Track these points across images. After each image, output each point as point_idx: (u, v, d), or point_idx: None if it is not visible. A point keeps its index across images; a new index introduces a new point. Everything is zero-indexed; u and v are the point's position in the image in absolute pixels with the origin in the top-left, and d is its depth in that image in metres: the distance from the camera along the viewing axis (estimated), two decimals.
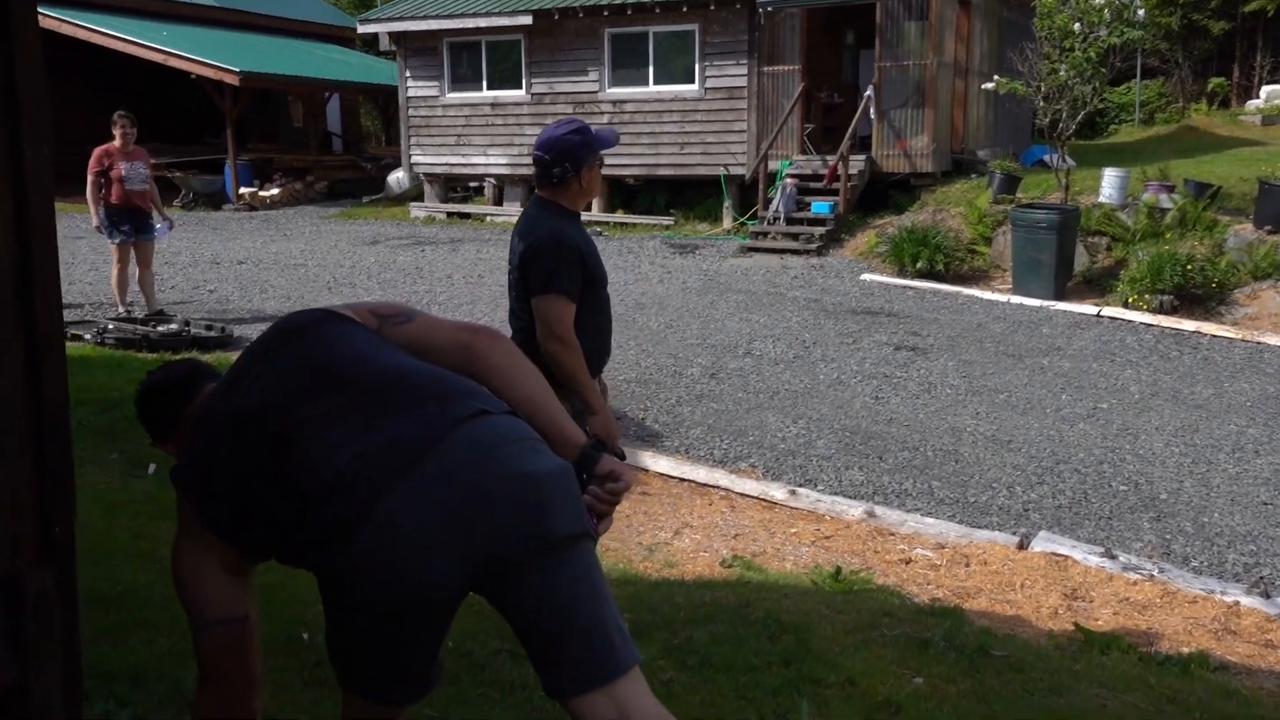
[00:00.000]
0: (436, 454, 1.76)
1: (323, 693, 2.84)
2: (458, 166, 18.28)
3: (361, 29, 18.68)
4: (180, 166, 20.80)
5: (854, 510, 5.43)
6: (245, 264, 12.87)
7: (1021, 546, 4.99)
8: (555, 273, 3.20)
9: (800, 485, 5.93)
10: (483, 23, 17.19)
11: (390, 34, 18.32)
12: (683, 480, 5.84)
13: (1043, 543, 5.03)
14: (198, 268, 12.52)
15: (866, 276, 12.36)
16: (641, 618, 3.43)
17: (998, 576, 4.62)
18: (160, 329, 8.32)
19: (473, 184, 19.15)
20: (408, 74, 18.41)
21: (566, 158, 3.27)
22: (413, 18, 17.84)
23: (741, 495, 5.67)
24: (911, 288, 11.83)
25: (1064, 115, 12.11)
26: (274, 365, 1.94)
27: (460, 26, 17.46)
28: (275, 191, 20.47)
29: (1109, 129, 24.31)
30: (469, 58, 18.09)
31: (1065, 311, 10.70)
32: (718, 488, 5.75)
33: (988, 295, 11.52)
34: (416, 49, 18.27)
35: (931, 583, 4.54)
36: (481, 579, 1.79)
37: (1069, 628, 3.98)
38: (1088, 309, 10.68)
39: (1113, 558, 4.85)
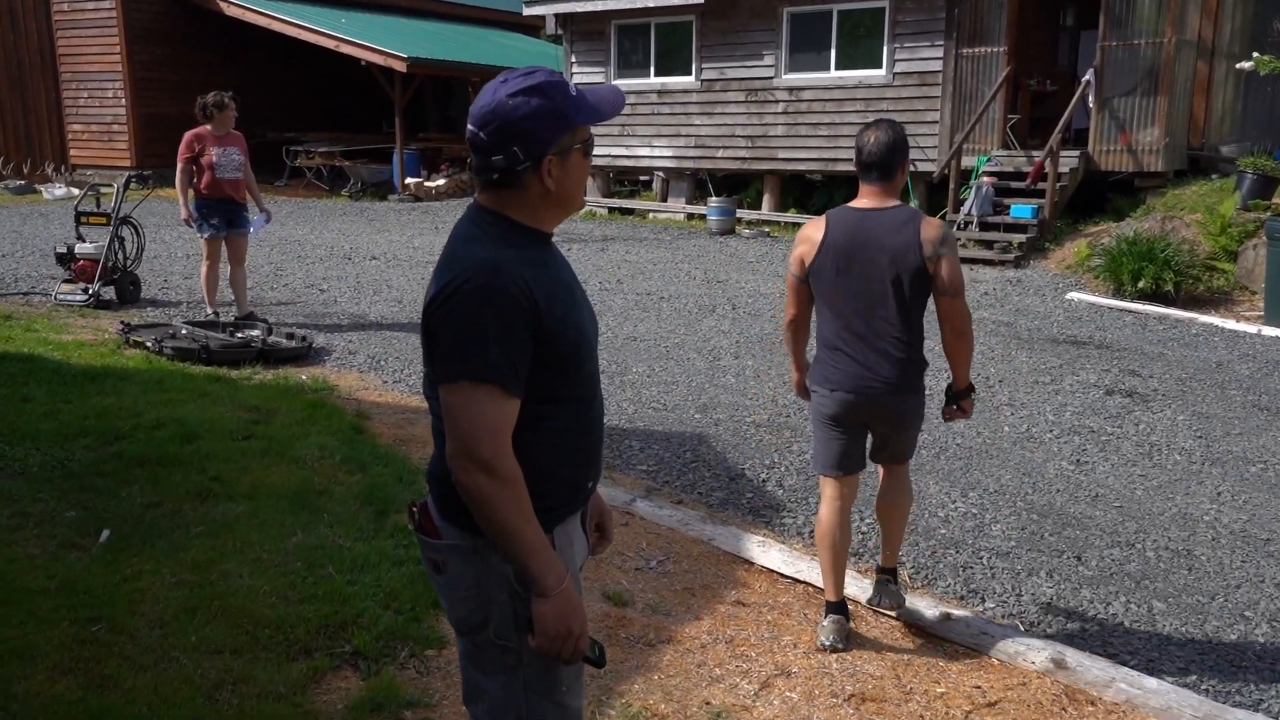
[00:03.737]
0: None
1: None
2: (621, 159, 17.11)
3: (527, 10, 17.77)
4: (350, 155, 20.60)
5: (1036, 654, 3.78)
6: (377, 259, 12.08)
7: None
8: (477, 341, 1.81)
9: (962, 596, 4.31)
10: (652, 2, 15.93)
11: (557, 16, 17.34)
12: (796, 582, 4.32)
13: None
14: (327, 262, 11.81)
15: (1073, 295, 10.34)
16: None
17: None
18: (239, 336, 7.43)
19: (643, 178, 17.96)
20: (573, 59, 17.40)
21: (515, 138, 1.88)
22: None
23: (875, 613, 4.10)
24: (1130, 311, 9.76)
25: None
26: None
27: (629, 7, 16.27)
28: (441, 182, 19.92)
29: None
30: (637, 41, 16.89)
31: None
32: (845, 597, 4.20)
33: (1231, 325, 9.32)
34: (583, 33, 17.22)
35: None
36: None
37: None
38: None
39: None
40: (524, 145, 1.88)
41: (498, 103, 1.88)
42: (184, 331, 7.34)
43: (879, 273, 3.53)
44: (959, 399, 3.81)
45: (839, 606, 3.84)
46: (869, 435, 3.80)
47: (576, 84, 1.97)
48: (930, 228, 3.55)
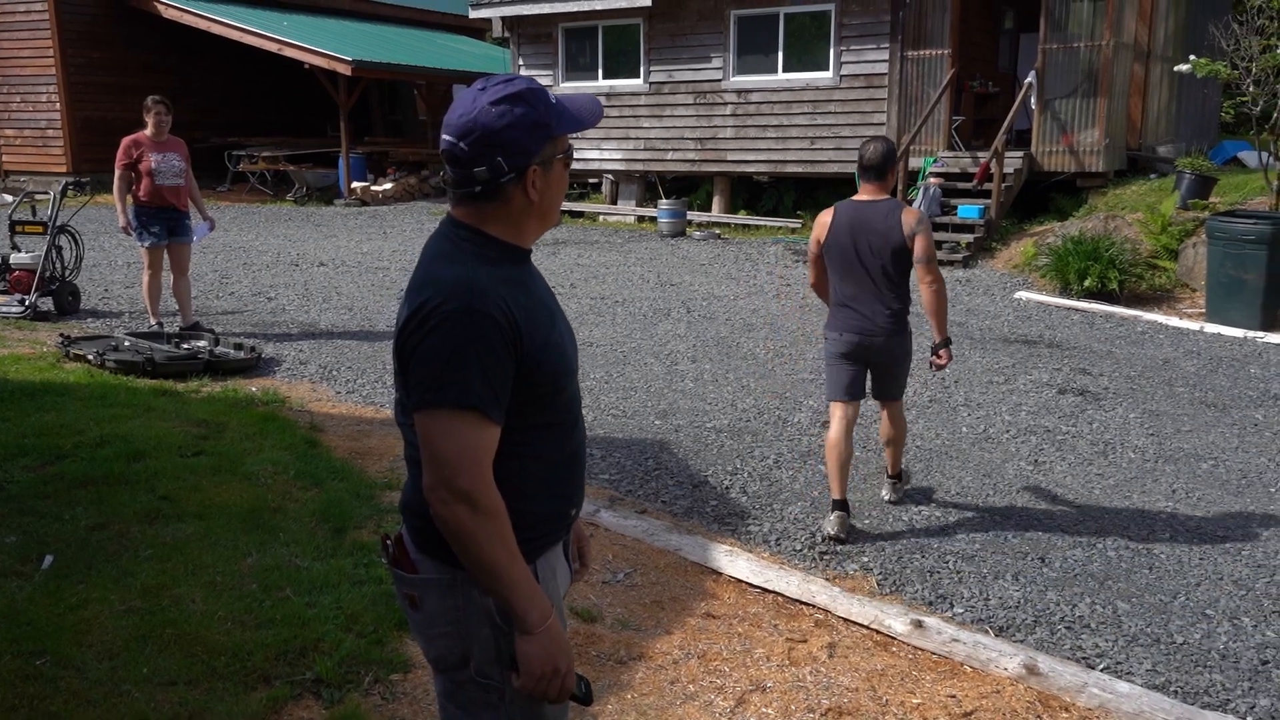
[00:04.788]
0: None
1: None
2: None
3: (474, 14, 17.60)
4: (295, 160, 20.24)
5: (1008, 661, 3.77)
6: (325, 266, 11.86)
7: None
8: (456, 366, 1.73)
9: (931, 602, 4.30)
10: (600, 5, 15.86)
11: (503, 19, 17.21)
12: (765, 592, 4.28)
13: None
14: (273, 269, 11.57)
15: (1021, 295, 10.46)
16: None
17: None
18: (185, 347, 7.22)
19: (591, 180, 17.88)
20: (520, 62, 17.26)
21: (499, 148, 1.80)
22: (526, 1, 16.65)
23: (845, 621, 4.07)
24: (1077, 310, 9.89)
25: None
26: None
27: (576, 9, 16.19)
28: (388, 186, 19.67)
29: None
30: (585, 44, 16.82)
31: (1278, 346, 8.62)
32: (813, 606, 4.17)
33: (1174, 322, 9.48)
34: (530, 35, 17.10)
35: None
36: None
37: None
38: None
39: None
40: (508, 156, 1.80)
41: (479, 111, 1.79)
42: (127, 343, 7.11)
43: (873, 248, 4.65)
44: (938, 349, 4.81)
45: (842, 504, 4.82)
46: (868, 375, 4.87)
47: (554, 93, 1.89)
48: (909, 215, 4.71)
